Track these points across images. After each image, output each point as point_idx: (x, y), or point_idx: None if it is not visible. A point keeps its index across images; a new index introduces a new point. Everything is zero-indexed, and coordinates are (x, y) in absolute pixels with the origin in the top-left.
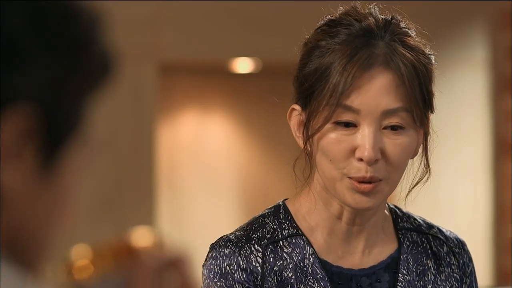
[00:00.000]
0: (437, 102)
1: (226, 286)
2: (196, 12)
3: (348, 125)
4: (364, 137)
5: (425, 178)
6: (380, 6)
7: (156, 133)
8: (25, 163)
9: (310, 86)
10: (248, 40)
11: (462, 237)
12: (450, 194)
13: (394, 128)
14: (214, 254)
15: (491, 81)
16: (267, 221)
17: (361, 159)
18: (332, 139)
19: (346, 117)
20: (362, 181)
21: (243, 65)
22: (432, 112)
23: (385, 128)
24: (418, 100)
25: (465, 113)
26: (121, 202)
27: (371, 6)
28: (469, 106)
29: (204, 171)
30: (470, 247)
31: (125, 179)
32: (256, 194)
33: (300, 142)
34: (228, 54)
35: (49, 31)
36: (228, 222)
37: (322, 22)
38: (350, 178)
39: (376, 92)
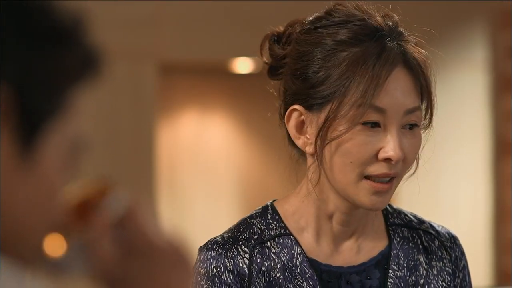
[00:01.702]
0: (437, 102)
1: None
2: (196, 12)
3: (373, 126)
4: (392, 137)
5: (411, 172)
6: (373, 6)
7: (156, 133)
8: (2, 146)
9: (328, 87)
10: (248, 40)
11: (462, 236)
12: (450, 194)
13: (409, 127)
14: (201, 257)
15: (491, 81)
16: (255, 222)
17: (386, 159)
18: (358, 141)
19: (373, 117)
20: (380, 180)
21: (243, 65)
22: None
23: (403, 127)
24: (433, 99)
25: (465, 113)
26: None
27: (358, 2)
28: (469, 106)
29: (204, 171)
30: (470, 247)
31: (125, 179)
32: (256, 194)
33: (300, 143)
34: (228, 54)
35: (29, 22)
36: (228, 222)
37: (311, 19)
38: (367, 178)
39: (400, 92)
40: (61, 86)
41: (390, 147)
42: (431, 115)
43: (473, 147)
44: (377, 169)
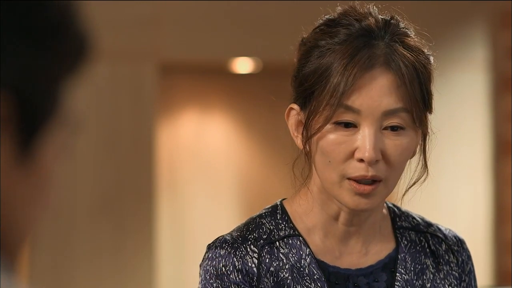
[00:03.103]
0: (437, 102)
1: (221, 287)
2: (196, 12)
3: (348, 125)
4: (364, 137)
5: (422, 178)
6: (380, 6)
7: (156, 133)
8: (2, 152)
9: (310, 86)
10: (248, 40)
11: (461, 236)
12: (450, 194)
13: (394, 128)
14: (210, 255)
15: (491, 81)
16: (264, 221)
17: (361, 160)
18: (331, 140)
19: (347, 117)
20: (361, 182)
21: (243, 65)
22: (430, 112)
23: (385, 128)
24: (418, 101)
25: (465, 113)
26: (121, 202)
27: (370, 5)
28: (469, 106)
29: (204, 171)
30: (470, 247)
31: (125, 179)
32: (256, 194)
33: (298, 142)
34: (228, 54)
35: (21, 17)
36: (228, 222)
37: (321, 22)
38: (349, 179)
39: (377, 93)
40: (60, 78)
41: (363, 147)
42: (419, 119)
43: (473, 147)
44: (355, 170)
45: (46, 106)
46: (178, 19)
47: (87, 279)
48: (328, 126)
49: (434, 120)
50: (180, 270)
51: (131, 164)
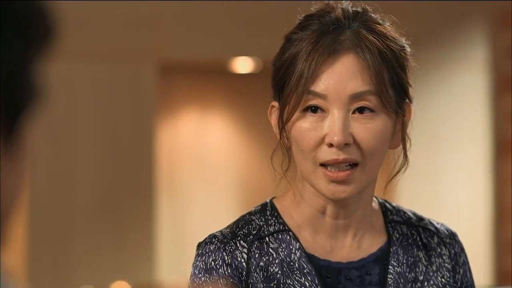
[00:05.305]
0: (437, 102)
1: (209, 281)
2: (196, 12)
3: (316, 111)
4: (333, 122)
5: (403, 169)
6: (371, 4)
7: (156, 133)
8: None
9: (281, 77)
10: (248, 40)
11: (462, 236)
12: (450, 194)
13: (362, 111)
14: (200, 251)
15: (491, 81)
16: (253, 218)
17: (331, 145)
18: (302, 128)
19: (313, 103)
20: (334, 165)
21: (243, 65)
22: (410, 101)
23: (354, 112)
24: (386, 84)
25: (465, 113)
26: (121, 202)
27: (344, 1)
28: (469, 106)
29: (204, 171)
30: (470, 247)
31: (125, 179)
32: (255, 194)
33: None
34: (228, 54)
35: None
36: (228, 222)
37: (297, 21)
38: (322, 166)
39: (342, 77)
40: (34, 64)
41: (332, 131)
42: (389, 103)
43: (473, 147)
44: (327, 155)
45: (26, 94)
46: (178, 19)
47: (87, 279)
48: (298, 114)
49: (435, 120)
50: (180, 270)
51: (131, 164)
